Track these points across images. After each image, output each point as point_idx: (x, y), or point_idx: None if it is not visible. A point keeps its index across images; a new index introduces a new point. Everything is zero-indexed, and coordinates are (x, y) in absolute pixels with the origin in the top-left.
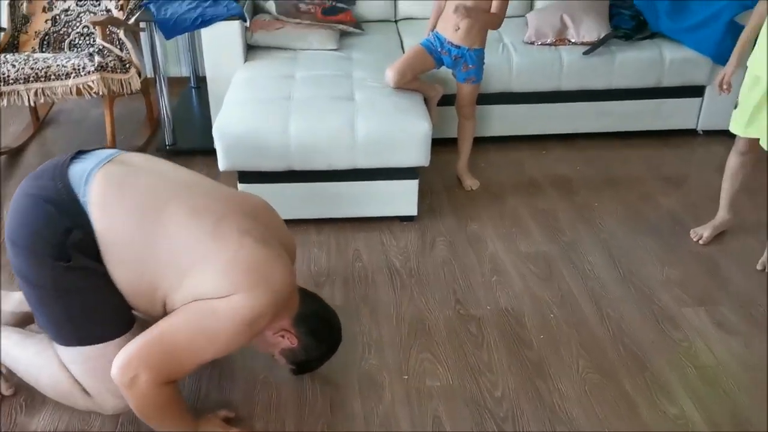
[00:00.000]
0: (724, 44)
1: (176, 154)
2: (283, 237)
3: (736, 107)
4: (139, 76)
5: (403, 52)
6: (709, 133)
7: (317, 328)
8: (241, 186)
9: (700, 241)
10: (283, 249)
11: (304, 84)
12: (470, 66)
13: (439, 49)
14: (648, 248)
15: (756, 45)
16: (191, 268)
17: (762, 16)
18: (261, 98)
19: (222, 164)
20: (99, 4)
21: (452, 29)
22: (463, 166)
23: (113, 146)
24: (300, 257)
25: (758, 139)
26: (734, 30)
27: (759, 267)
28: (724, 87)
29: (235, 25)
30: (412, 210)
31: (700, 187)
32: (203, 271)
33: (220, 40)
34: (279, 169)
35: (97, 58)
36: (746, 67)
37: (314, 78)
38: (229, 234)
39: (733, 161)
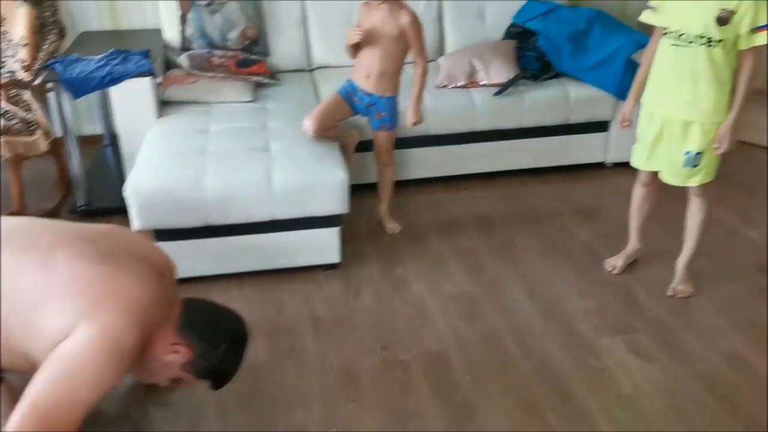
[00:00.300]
0: (624, 81)
1: (91, 214)
2: (145, 253)
3: (636, 142)
4: (48, 137)
5: (318, 100)
6: (618, 165)
7: (206, 330)
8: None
9: (614, 271)
10: (140, 263)
11: (218, 137)
12: (383, 114)
13: (353, 97)
14: (566, 281)
15: (648, 83)
16: (32, 310)
17: (651, 55)
18: (174, 154)
19: (136, 223)
20: (3, 66)
21: (364, 76)
22: (384, 210)
23: (21, 210)
24: None
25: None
26: (632, 68)
27: (669, 293)
28: (625, 123)
29: (145, 82)
30: (335, 257)
31: (611, 217)
32: (43, 311)
33: (131, 97)
34: (196, 224)
35: (1, 122)
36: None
37: (229, 130)
38: (60, 263)
39: (637, 193)
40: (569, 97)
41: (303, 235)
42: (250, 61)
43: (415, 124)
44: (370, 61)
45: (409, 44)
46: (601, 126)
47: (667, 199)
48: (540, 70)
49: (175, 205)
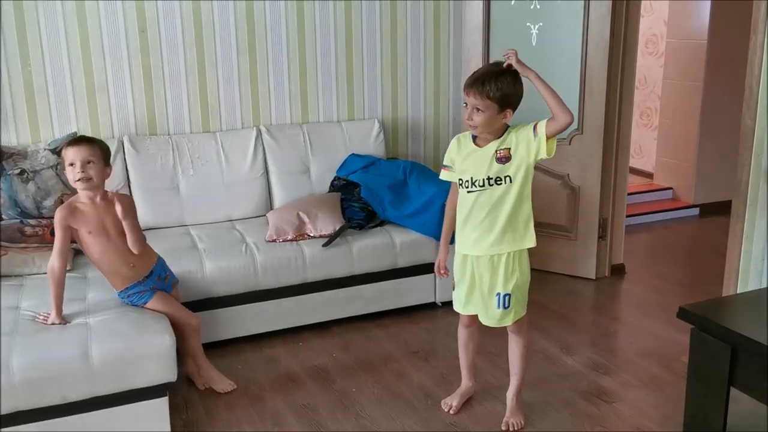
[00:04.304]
0: (441, 225)
1: None
2: None
3: (454, 288)
4: None
5: None
6: (447, 304)
7: None
8: None
9: (451, 411)
10: None
11: (29, 316)
12: (167, 274)
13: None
14: (407, 427)
15: (457, 230)
16: None
17: (453, 206)
18: None
19: None
20: None
21: (124, 272)
22: (208, 369)
23: None
24: None
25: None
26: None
27: (503, 427)
28: (441, 272)
29: None
30: (165, 428)
31: (445, 357)
32: None
33: None
34: (3, 411)
35: None
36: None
37: (42, 305)
38: None
39: (461, 334)
40: (395, 243)
41: (128, 410)
42: None
43: None
44: (113, 250)
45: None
46: (427, 268)
47: (493, 333)
48: (365, 219)
49: None
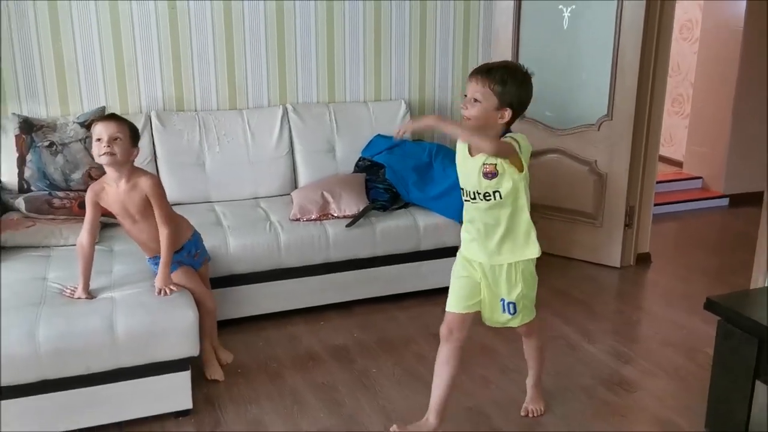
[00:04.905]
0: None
1: None
2: None
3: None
4: None
5: None
6: None
7: None
8: None
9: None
10: None
11: (57, 285)
12: (197, 251)
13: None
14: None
15: (462, 236)
16: None
17: None
18: (5, 305)
19: None
20: None
21: (154, 247)
22: (209, 352)
23: None
24: None
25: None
26: None
27: (522, 413)
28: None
29: None
30: (186, 403)
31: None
32: None
33: None
34: (29, 380)
35: None
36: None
37: (69, 277)
38: None
39: (441, 351)
40: (418, 225)
41: (151, 383)
42: None
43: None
44: (139, 233)
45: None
46: (450, 251)
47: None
48: (389, 201)
49: (4, 361)
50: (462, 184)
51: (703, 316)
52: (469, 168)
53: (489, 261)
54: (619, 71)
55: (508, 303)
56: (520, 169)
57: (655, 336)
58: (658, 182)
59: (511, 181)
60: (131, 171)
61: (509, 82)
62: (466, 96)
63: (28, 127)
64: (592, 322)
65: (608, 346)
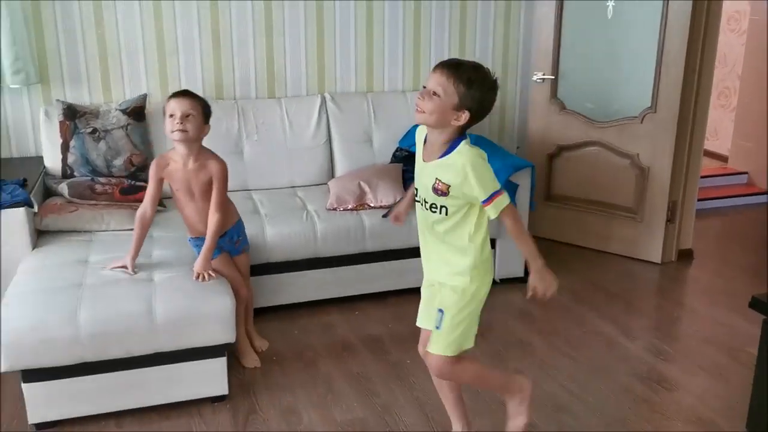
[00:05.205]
0: None
1: None
2: None
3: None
4: None
5: None
6: (506, 281)
7: None
8: (25, 386)
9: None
10: None
11: (98, 268)
12: (239, 238)
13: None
14: None
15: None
16: None
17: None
18: (47, 288)
19: (2, 365)
20: None
21: (200, 229)
22: (242, 339)
23: None
24: None
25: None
26: (511, 188)
27: None
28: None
29: (20, 212)
30: (222, 389)
31: (501, 333)
32: None
33: (4, 228)
34: (69, 362)
35: None
36: None
37: (110, 261)
38: None
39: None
40: None
41: (187, 368)
42: (136, 188)
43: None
44: (192, 212)
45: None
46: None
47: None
48: None
49: (45, 342)
50: (415, 182)
51: (746, 314)
52: (422, 173)
53: (428, 274)
54: (664, 63)
55: (438, 309)
56: (491, 217)
57: (696, 334)
58: (701, 177)
59: (462, 208)
60: (200, 150)
61: (476, 85)
62: (425, 87)
63: (72, 114)
64: (630, 318)
65: (647, 342)
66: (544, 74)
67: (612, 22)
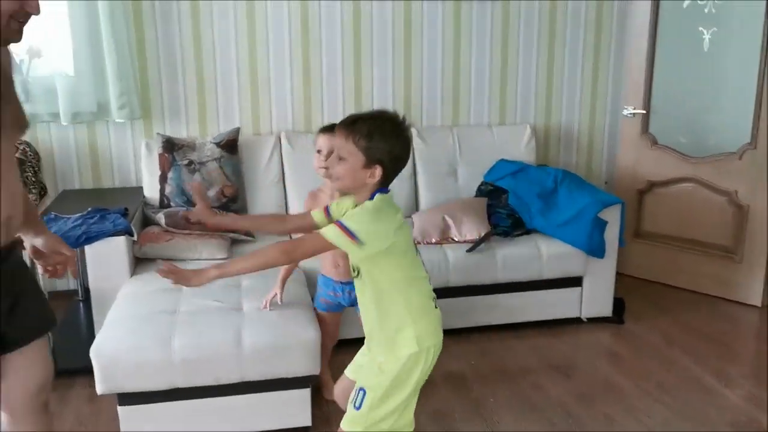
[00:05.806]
0: (593, 238)
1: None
2: None
3: None
4: None
5: None
6: (593, 321)
7: None
8: (121, 409)
9: None
10: None
11: (191, 296)
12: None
13: (335, 295)
14: None
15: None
16: None
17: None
18: (144, 314)
19: (99, 387)
20: None
21: (333, 266)
22: (324, 373)
23: None
24: None
25: None
26: (600, 225)
27: None
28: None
29: (121, 240)
30: (306, 420)
31: (587, 374)
32: None
33: (105, 255)
34: (161, 387)
35: None
36: None
37: (202, 290)
38: None
39: None
40: (541, 253)
41: (273, 397)
42: None
43: None
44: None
45: None
46: (574, 281)
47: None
48: (511, 227)
49: (140, 367)
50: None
51: None
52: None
53: (366, 347)
54: (765, 97)
55: (359, 389)
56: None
57: None
58: None
59: (365, 260)
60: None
61: (376, 136)
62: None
63: (170, 147)
64: (728, 363)
65: (747, 391)
66: (634, 108)
67: (708, 54)
